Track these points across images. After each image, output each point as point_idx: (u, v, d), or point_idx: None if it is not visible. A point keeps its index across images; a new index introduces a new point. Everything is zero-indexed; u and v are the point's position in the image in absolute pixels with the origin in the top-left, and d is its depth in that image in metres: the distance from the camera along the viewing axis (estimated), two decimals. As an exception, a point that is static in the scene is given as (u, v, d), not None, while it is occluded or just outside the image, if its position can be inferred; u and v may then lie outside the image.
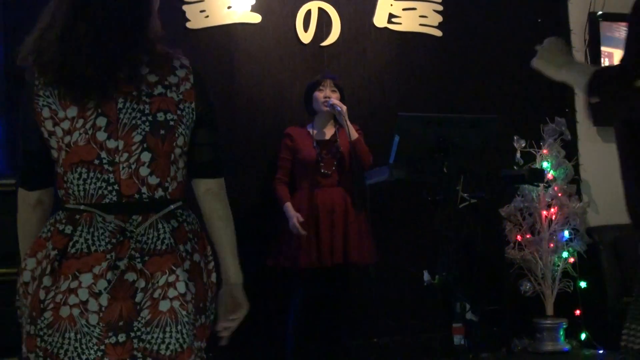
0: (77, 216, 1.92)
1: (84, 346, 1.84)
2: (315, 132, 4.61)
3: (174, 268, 1.90)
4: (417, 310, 5.13)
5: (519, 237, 5.38)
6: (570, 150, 5.65)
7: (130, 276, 1.86)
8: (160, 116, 1.93)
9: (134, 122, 1.91)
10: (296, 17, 5.15)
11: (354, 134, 4.49)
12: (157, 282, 1.88)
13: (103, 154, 1.91)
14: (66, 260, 1.87)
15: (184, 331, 1.89)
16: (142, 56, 1.92)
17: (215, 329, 2.10)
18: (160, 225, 1.94)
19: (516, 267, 5.38)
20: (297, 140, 4.57)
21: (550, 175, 5.43)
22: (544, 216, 5.36)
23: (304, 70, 5.10)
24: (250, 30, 5.08)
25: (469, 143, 3.85)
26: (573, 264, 5.42)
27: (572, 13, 5.89)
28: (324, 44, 5.22)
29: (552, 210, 5.37)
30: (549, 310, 5.33)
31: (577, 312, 5.46)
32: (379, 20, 5.35)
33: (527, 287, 5.33)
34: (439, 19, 5.48)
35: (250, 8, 5.06)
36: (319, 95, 4.55)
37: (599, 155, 5.87)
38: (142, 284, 1.87)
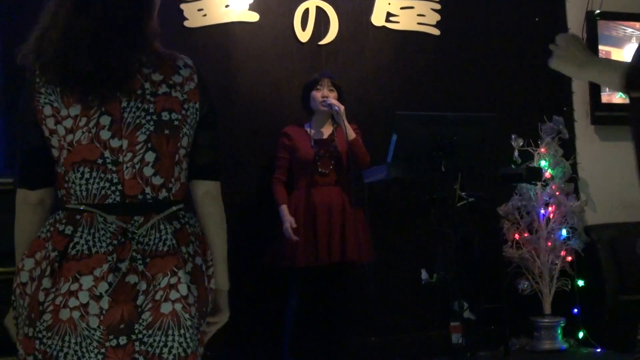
0: (78, 216, 1.88)
1: (84, 349, 1.80)
2: (312, 131, 4.61)
3: (175, 270, 1.87)
4: (415, 309, 5.14)
5: (516, 236, 5.39)
6: (568, 149, 5.66)
7: (132, 278, 1.83)
8: (165, 116, 1.91)
9: (138, 121, 1.88)
10: (294, 16, 5.15)
11: (352, 134, 4.49)
12: (159, 283, 1.84)
13: (107, 153, 1.87)
14: (66, 261, 1.84)
15: (187, 335, 1.86)
16: (142, 55, 1.90)
17: None
18: (162, 227, 1.90)
19: (514, 266, 5.38)
20: (295, 140, 4.57)
21: (548, 173, 5.43)
22: (541, 215, 5.36)
23: (301, 69, 5.10)
24: (248, 29, 5.08)
25: (467, 142, 3.85)
26: (571, 263, 5.43)
27: (569, 12, 5.90)
28: (322, 42, 5.22)
29: (550, 208, 5.38)
30: (547, 308, 5.34)
31: (575, 310, 5.47)
32: (377, 18, 5.35)
33: (525, 286, 5.33)
34: (436, 17, 5.49)
35: (248, 7, 5.06)
36: (317, 94, 4.54)
37: (597, 154, 5.89)
38: (143, 286, 1.83)
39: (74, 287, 1.81)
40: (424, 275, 4.53)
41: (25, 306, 1.86)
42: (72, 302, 1.80)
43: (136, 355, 1.82)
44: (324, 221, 4.42)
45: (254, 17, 5.07)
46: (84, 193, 1.89)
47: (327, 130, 4.62)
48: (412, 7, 5.43)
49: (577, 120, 5.86)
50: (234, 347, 4.68)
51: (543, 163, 5.46)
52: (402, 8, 5.41)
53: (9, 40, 4.44)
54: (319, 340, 4.64)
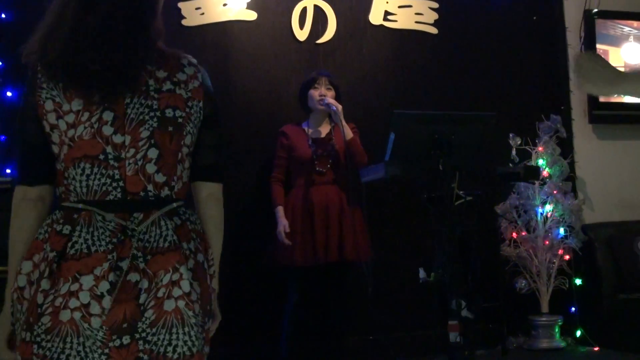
0: (75, 215, 1.85)
1: (87, 349, 1.77)
2: (310, 130, 4.60)
3: (177, 266, 1.84)
4: (412, 308, 5.14)
5: (514, 235, 5.39)
6: (565, 148, 5.66)
7: (133, 277, 1.80)
8: (169, 112, 1.89)
9: (141, 117, 1.86)
10: (292, 15, 5.15)
11: (349, 134, 4.48)
12: (161, 280, 1.81)
13: (109, 149, 1.84)
14: (65, 261, 1.80)
15: (192, 333, 1.83)
16: (147, 53, 1.89)
17: None
18: (162, 223, 1.87)
19: (511, 265, 5.39)
20: (293, 139, 4.57)
21: (545, 172, 5.43)
22: (539, 213, 5.37)
23: (299, 68, 5.10)
24: (245, 28, 5.08)
25: (465, 140, 3.85)
26: (568, 261, 5.43)
27: (567, 11, 5.90)
28: (320, 41, 5.22)
29: (548, 207, 5.38)
30: (544, 307, 5.34)
31: (573, 309, 5.47)
32: (375, 17, 5.35)
33: (523, 285, 5.34)
34: (434, 16, 5.49)
35: (245, 5, 5.06)
36: (314, 93, 4.54)
37: (595, 153, 5.90)
38: (145, 284, 1.80)
39: (74, 287, 1.78)
40: (422, 274, 4.53)
41: (24, 311, 1.82)
42: (73, 302, 1.77)
43: (140, 354, 1.78)
44: (322, 220, 4.42)
45: (252, 15, 5.07)
46: (84, 189, 1.86)
47: (324, 129, 4.62)
48: (410, 6, 5.43)
49: (575, 118, 5.87)
50: (232, 346, 4.67)
51: (541, 162, 5.47)
52: (400, 7, 5.41)
53: (5, 37, 4.43)
54: (317, 339, 4.64)
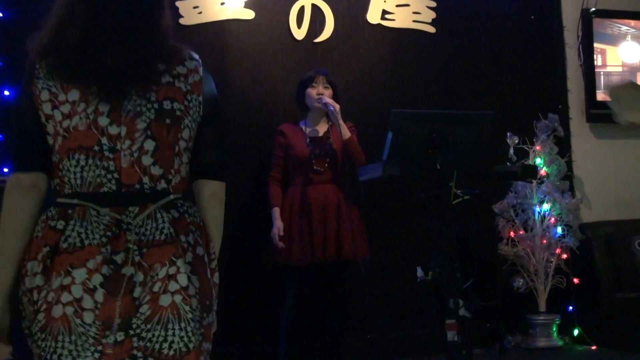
0: (70, 211, 1.81)
1: (79, 348, 1.72)
2: (308, 129, 4.60)
3: (174, 259, 1.79)
4: (410, 307, 5.13)
5: (512, 234, 5.39)
6: (563, 147, 5.67)
7: (128, 270, 1.76)
8: (167, 105, 1.86)
9: (138, 109, 1.83)
10: (289, 14, 5.15)
11: (347, 133, 4.48)
12: (157, 274, 1.77)
13: (104, 140, 1.81)
14: (58, 255, 1.76)
15: (189, 329, 1.78)
16: (159, 50, 1.87)
17: None
18: (159, 215, 1.83)
19: (509, 264, 5.39)
20: (290, 137, 4.57)
21: (543, 171, 5.44)
22: (537, 212, 5.37)
23: (297, 67, 5.09)
24: (243, 27, 5.08)
25: (463, 139, 3.84)
26: (566, 260, 5.43)
27: (565, 9, 5.91)
28: (317, 40, 5.22)
29: (545, 206, 5.39)
30: (542, 306, 5.34)
31: (570, 308, 5.47)
32: (372, 16, 5.34)
33: (520, 283, 5.34)
34: (432, 15, 5.49)
35: (243, 4, 5.05)
36: (312, 91, 4.54)
37: (592, 152, 5.90)
38: (140, 277, 1.76)
39: (67, 281, 1.74)
40: (420, 273, 4.52)
41: (32, 311, 1.78)
42: (65, 297, 1.73)
43: (134, 352, 1.74)
44: (320, 219, 4.42)
45: (250, 14, 5.06)
46: (79, 181, 1.82)
47: (322, 128, 4.62)
48: (407, 5, 5.43)
49: (573, 118, 5.87)
50: (231, 345, 4.67)
51: (538, 161, 5.47)
52: (397, 6, 5.41)
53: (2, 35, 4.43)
54: (315, 338, 4.64)
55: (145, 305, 1.75)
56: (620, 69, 6.01)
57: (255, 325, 4.84)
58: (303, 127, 4.61)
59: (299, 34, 5.17)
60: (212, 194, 2.00)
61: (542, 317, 5.31)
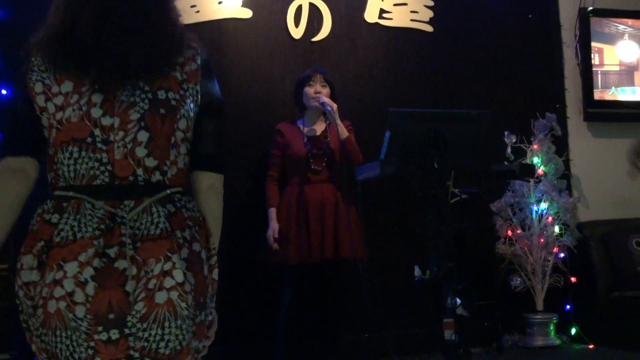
0: (65, 204, 1.77)
1: (74, 343, 1.69)
2: (305, 128, 4.60)
3: (169, 255, 1.74)
4: (408, 306, 5.14)
5: (509, 232, 5.40)
6: (560, 146, 5.67)
7: (121, 264, 1.71)
8: (161, 94, 1.82)
9: (132, 99, 1.79)
10: (287, 13, 5.15)
11: (344, 133, 4.48)
12: (152, 270, 1.72)
13: (97, 132, 1.77)
14: (51, 250, 1.73)
15: (184, 327, 1.75)
16: (168, 42, 1.85)
17: None
18: (154, 210, 1.78)
19: (507, 262, 5.40)
20: (288, 136, 4.57)
21: (540, 170, 5.44)
22: (534, 211, 5.37)
23: (294, 66, 5.10)
24: (241, 26, 5.07)
25: (460, 138, 3.84)
26: (563, 259, 5.44)
27: (562, 8, 5.92)
28: (315, 39, 5.22)
29: (543, 205, 5.39)
30: (539, 305, 5.35)
31: (568, 307, 5.48)
32: (370, 15, 5.34)
33: (518, 282, 5.35)
34: (429, 14, 5.49)
35: (241, 3, 5.05)
36: (309, 90, 4.53)
37: (590, 151, 5.91)
38: (133, 271, 1.71)
39: (59, 275, 1.70)
40: (417, 271, 4.52)
41: (30, 306, 1.77)
42: (58, 291, 1.70)
43: (131, 352, 1.71)
44: (317, 218, 4.42)
45: (247, 13, 5.06)
46: (72, 174, 1.79)
47: (319, 127, 4.62)
48: (405, 4, 5.44)
49: (570, 117, 5.88)
50: (228, 344, 4.67)
51: (536, 160, 5.48)
52: (395, 5, 5.41)
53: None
54: (312, 337, 4.64)
55: (141, 302, 1.71)
56: (617, 68, 6.02)
57: (253, 325, 4.84)
58: (301, 126, 4.61)
59: (297, 32, 5.17)
60: (210, 186, 1.95)
61: (539, 316, 5.31)
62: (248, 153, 4.95)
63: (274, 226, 4.44)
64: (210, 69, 1.96)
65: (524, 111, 5.62)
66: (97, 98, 1.79)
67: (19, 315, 1.83)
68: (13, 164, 1.85)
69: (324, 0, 5.21)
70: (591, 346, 5.28)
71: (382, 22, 5.38)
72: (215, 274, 1.91)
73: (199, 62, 1.91)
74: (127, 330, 1.70)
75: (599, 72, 5.93)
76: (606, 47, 5.95)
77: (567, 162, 5.71)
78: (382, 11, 5.37)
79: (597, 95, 5.87)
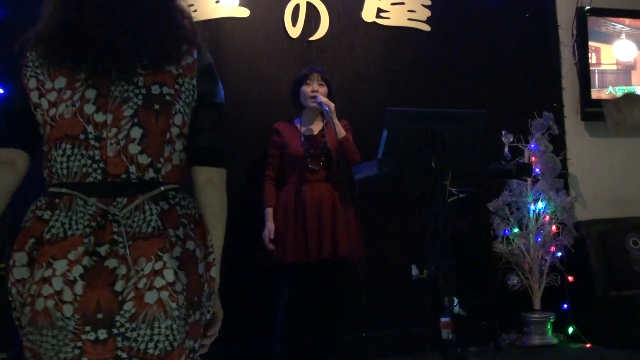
0: (57, 200, 1.75)
1: (60, 343, 1.67)
2: (303, 127, 4.60)
3: (160, 254, 1.71)
4: (405, 305, 5.14)
5: (506, 232, 5.40)
6: (558, 145, 5.68)
7: (111, 263, 1.68)
8: (155, 90, 1.78)
9: (125, 94, 1.76)
10: (284, 12, 5.15)
11: (342, 132, 4.48)
12: (142, 269, 1.68)
13: (89, 128, 1.75)
14: (41, 247, 1.70)
15: (174, 327, 1.71)
16: (184, 33, 1.83)
17: None
18: (147, 207, 1.75)
19: (504, 262, 5.40)
20: (285, 136, 4.57)
21: (537, 169, 5.44)
22: (531, 210, 5.38)
23: (292, 65, 5.09)
24: (238, 25, 5.07)
25: (458, 138, 3.85)
26: (560, 258, 5.44)
27: (559, 8, 5.92)
28: (312, 38, 5.22)
29: (540, 204, 5.39)
30: (537, 304, 5.35)
31: (565, 306, 5.48)
32: (368, 14, 5.34)
33: (515, 281, 5.35)
34: (427, 13, 5.49)
35: (238, 2, 5.05)
36: (307, 89, 4.53)
37: (587, 150, 5.91)
38: (123, 270, 1.67)
39: (48, 273, 1.67)
40: (414, 271, 4.52)
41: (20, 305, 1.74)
42: (46, 289, 1.67)
43: (118, 352, 1.67)
44: (314, 217, 4.42)
45: (245, 12, 5.06)
46: (65, 171, 1.77)
47: (317, 127, 4.61)
48: (402, 3, 5.44)
49: (567, 116, 5.88)
50: (225, 343, 4.66)
51: (533, 159, 5.48)
52: (392, 4, 5.41)
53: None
54: (310, 336, 4.64)
55: (130, 302, 1.67)
56: (614, 67, 6.02)
57: (251, 324, 4.84)
58: (298, 126, 4.61)
59: (294, 32, 5.17)
60: (208, 181, 1.90)
61: (536, 315, 5.32)
62: (245, 152, 4.95)
63: (269, 227, 4.44)
64: (209, 62, 1.93)
65: (522, 110, 5.62)
66: (90, 94, 1.76)
67: (12, 313, 1.80)
68: (2, 155, 1.83)
69: (321, -1, 5.22)
70: (588, 345, 5.28)
71: (380, 21, 5.38)
72: (213, 272, 1.87)
73: (195, 55, 1.87)
74: (115, 330, 1.67)
75: (596, 71, 5.94)
76: (603, 47, 5.96)
77: (564, 161, 5.72)
78: (379, 10, 5.37)
79: (595, 94, 5.88)
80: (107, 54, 1.76)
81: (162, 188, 1.79)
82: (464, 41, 5.63)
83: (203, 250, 1.83)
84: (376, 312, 5.06)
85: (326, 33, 5.23)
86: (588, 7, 5.88)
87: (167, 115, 1.80)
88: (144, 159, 1.77)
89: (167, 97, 1.80)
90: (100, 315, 1.65)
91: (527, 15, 5.82)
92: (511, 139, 5.44)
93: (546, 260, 5.36)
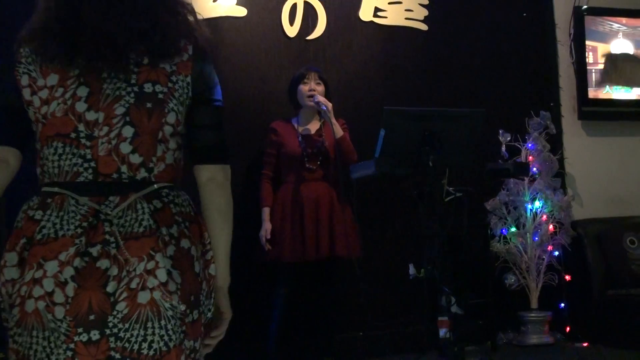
0: (49, 200, 1.72)
1: (52, 345, 1.64)
2: (300, 127, 4.60)
3: (152, 253, 1.67)
4: (402, 304, 5.14)
5: (504, 231, 5.40)
6: (555, 144, 5.68)
7: (103, 263, 1.65)
8: (148, 87, 1.74)
9: (117, 92, 1.72)
10: (282, 11, 5.14)
11: (339, 132, 4.48)
12: (134, 270, 1.65)
13: (81, 127, 1.71)
14: (32, 247, 1.67)
15: (169, 327, 1.67)
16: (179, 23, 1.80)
17: None
18: (139, 206, 1.71)
19: (501, 261, 5.40)
20: (282, 135, 4.57)
21: (535, 168, 5.45)
22: (529, 210, 5.38)
23: (289, 64, 5.09)
24: (235, 24, 5.07)
25: (455, 137, 3.85)
26: (558, 257, 5.44)
27: (557, 7, 5.92)
28: (310, 37, 5.21)
29: (537, 203, 5.40)
30: (534, 303, 5.35)
31: (562, 305, 5.48)
32: (365, 13, 5.34)
33: (512, 281, 5.35)
34: (424, 12, 5.49)
35: (235, 1, 5.04)
36: (304, 88, 4.54)
37: (584, 149, 5.91)
38: (114, 271, 1.64)
39: (38, 274, 1.64)
40: (412, 270, 4.53)
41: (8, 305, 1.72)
42: (37, 291, 1.64)
43: (112, 353, 1.64)
44: (312, 216, 4.42)
45: (242, 12, 5.06)
46: (56, 170, 1.74)
47: (314, 126, 4.62)
48: (400, 2, 5.43)
49: (564, 115, 5.88)
50: (222, 343, 4.66)
51: (530, 158, 5.48)
52: (390, 3, 5.41)
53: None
54: (306, 335, 4.64)
55: (123, 302, 1.64)
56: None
57: (246, 323, 4.84)
58: (295, 125, 4.61)
59: (292, 31, 5.16)
60: (209, 179, 1.84)
61: (533, 314, 5.32)
62: (242, 151, 4.94)
63: (266, 226, 4.44)
64: (206, 57, 1.89)
65: (519, 110, 5.62)
66: (82, 92, 1.73)
67: (1, 313, 1.78)
68: None
69: (318, -2, 5.22)
70: (585, 344, 5.28)
71: (377, 20, 5.38)
72: (212, 270, 1.83)
73: (190, 52, 1.82)
74: (107, 331, 1.64)
75: (593, 70, 5.94)
76: (600, 46, 5.96)
77: (561, 161, 5.72)
78: (376, 9, 5.37)
79: (592, 93, 5.88)
80: (103, 46, 1.73)
81: (156, 186, 1.76)
82: (462, 40, 5.63)
83: (200, 248, 1.79)
84: (373, 311, 5.06)
85: (323, 32, 5.23)
86: (585, 7, 5.88)
87: (160, 114, 1.76)
88: (135, 159, 1.74)
89: (160, 95, 1.76)
90: (92, 317, 1.63)
91: (525, 14, 5.82)
92: (508, 138, 5.44)
93: (543, 259, 5.37)
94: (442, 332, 3.71)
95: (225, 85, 5.09)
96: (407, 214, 5.05)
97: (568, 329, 5.46)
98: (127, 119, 1.73)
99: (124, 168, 1.73)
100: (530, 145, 5.50)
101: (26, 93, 1.76)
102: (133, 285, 1.65)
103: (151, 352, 1.67)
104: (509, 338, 5.40)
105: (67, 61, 1.73)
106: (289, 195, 4.48)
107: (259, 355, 4.69)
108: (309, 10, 5.20)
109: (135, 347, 1.65)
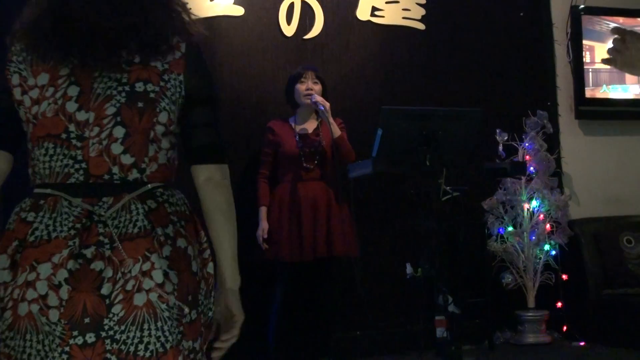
0: (42, 201, 1.69)
1: (47, 348, 1.61)
2: (297, 126, 4.60)
3: (147, 254, 1.65)
4: (400, 303, 5.15)
5: (501, 230, 5.41)
6: (552, 144, 5.68)
7: (97, 265, 1.62)
8: (139, 87, 1.71)
9: (108, 92, 1.69)
10: (279, 10, 5.14)
11: (337, 132, 4.48)
12: (130, 271, 1.63)
13: (71, 127, 1.68)
14: (24, 250, 1.65)
15: (166, 328, 1.65)
16: (160, 17, 1.77)
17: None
18: (133, 207, 1.69)
19: (498, 260, 5.40)
20: (279, 134, 4.57)
21: (532, 168, 5.45)
22: (525, 209, 5.38)
23: (286, 63, 5.09)
24: (233, 23, 5.06)
25: (452, 136, 3.85)
26: (555, 257, 5.45)
27: (554, 6, 5.93)
28: (307, 36, 5.21)
29: (534, 203, 5.40)
30: (531, 302, 5.36)
31: (559, 304, 5.49)
32: (362, 13, 5.34)
33: (509, 280, 5.35)
34: (421, 12, 5.49)
35: (233, 0, 5.04)
36: (301, 87, 4.54)
37: (581, 148, 5.92)
38: (109, 273, 1.62)
39: (31, 277, 1.62)
40: (409, 269, 4.53)
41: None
42: (30, 294, 1.61)
43: (107, 355, 1.61)
44: (309, 216, 4.42)
45: (239, 11, 5.05)
46: (47, 171, 1.71)
47: (311, 125, 4.61)
48: (397, 2, 5.43)
49: (561, 114, 5.89)
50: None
51: (527, 157, 5.48)
52: (387, 2, 5.41)
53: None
54: (304, 334, 4.64)
55: (119, 305, 1.62)
56: (609, 66, 6.02)
57: (244, 322, 4.83)
58: (292, 124, 4.61)
59: (289, 30, 5.16)
60: (207, 179, 1.80)
61: (531, 313, 5.32)
62: (239, 151, 4.94)
63: (263, 226, 4.45)
64: (198, 55, 1.82)
65: (516, 109, 5.63)
66: (72, 91, 1.70)
67: None
68: None
69: (316, -3, 5.22)
70: (582, 343, 5.29)
71: (374, 19, 5.38)
72: (210, 268, 1.82)
73: (183, 49, 1.78)
74: (103, 333, 1.62)
75: (590, 70, 5.95)
76: (597, 45, 5.97)
77: (558, 160, 5.72)
78: (374, 9, 5.37)
79: (589, 93, 5.88)
80: (95, 41, 1.70)
81: (149, 186, 1.73)
82: (459, 40, 5.63)
83: (196, 247, 1.77)
84: (371, 310, 5.06)
85: (321, 31, 5.23)
86: (582, 6, 5.89)
87: (152, 114, 1.73)
88: (127, 159, 1.71)
89: (152, 95, 1.73)
90: (87, 320, 1.61)
91: (522, 14, 5.82)
92: (505, 138, 5.44)
93: (540, 258, 5.37)
94: (440, 331, 3.71)
95: (222, 84, 5.14)
96: (404, 213, 5.05)
97: (565, 328, 5.47)
98: (118, 119, 1.70)
99: (115, 169, 1.70)
100: (527, 144, 5.50)
101: (17, 92, 1.73)
102: (129, 287, 1.63)
103: (147, 354, 1.64)
104: (506, 337, 5.41)
105: (59, 58, 1.71)
106: (287, 194, 4.47)
107: (257, 354, 4.68)
108: (307, 9, 5.20)
109: (132, 349, 1.63)
